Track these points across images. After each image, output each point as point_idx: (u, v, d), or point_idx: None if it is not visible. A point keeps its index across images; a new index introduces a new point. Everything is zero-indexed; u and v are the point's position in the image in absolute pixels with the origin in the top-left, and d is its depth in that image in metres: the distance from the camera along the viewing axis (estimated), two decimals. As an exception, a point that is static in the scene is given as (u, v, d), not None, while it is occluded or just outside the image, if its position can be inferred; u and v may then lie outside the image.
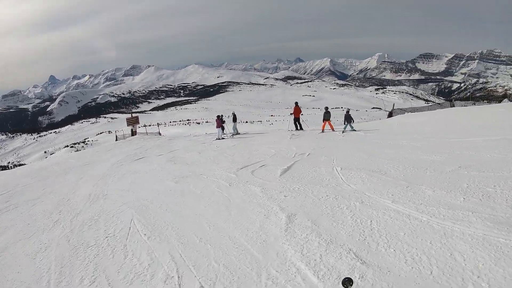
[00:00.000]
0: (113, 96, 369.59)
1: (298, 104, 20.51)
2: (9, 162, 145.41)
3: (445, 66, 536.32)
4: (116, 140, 39.84)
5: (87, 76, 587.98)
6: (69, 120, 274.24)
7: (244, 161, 11.47)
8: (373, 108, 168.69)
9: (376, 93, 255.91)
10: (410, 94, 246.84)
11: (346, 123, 17.55)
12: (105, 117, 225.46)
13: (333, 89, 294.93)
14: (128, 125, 38.39)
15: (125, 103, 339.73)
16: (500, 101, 32.13)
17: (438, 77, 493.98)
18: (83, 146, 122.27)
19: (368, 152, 10.36)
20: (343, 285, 2.78)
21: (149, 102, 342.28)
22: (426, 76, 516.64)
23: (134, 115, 40.43)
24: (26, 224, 8.13)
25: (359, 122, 31.50)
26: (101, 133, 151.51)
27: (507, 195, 5.14)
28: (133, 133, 37.32)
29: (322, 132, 17.71)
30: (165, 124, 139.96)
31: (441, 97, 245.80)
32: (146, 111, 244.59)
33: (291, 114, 19.86)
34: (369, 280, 3.59)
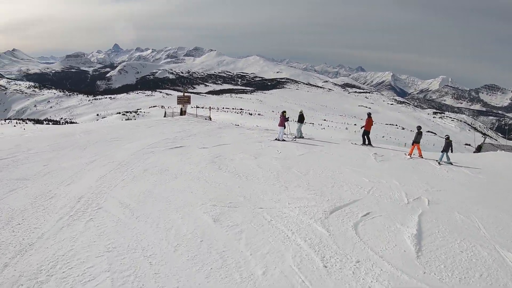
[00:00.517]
0: (172, 73, 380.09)
1: (371, 116, 17.31)
2: (61, 118, 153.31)
3: (510, 101, 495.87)
4: (165, 116, 37.34)
5: (150, 50, 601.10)
6: (126, 89, 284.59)
7: (328, 193, 7.42)
8: (428, 131, 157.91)
9: (433, 117, 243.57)
10: (468, 124, 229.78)
11: (443, 152, 12.97)
12: (160, 92, 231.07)
13: (391, 104, 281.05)
14: (178, 103, 35.50)
15: (183, 82, 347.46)
16: None
17: (500, 111, 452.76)
18: (134, 116, 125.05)
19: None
20: None
21: (205, 85, 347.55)
22: (488, 108, 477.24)
23: (186, 94, 37.54)
24: None
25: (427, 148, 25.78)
26: (154, 106, 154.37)
27: None
28: (182, 112, 34.40)
29: (410, 157, 13.61)
30: (218, 109, 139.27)
31: (499, 134, 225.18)
32: (202, 93, 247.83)
33: (362, 127, 16.83)
34: None
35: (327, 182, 8.38)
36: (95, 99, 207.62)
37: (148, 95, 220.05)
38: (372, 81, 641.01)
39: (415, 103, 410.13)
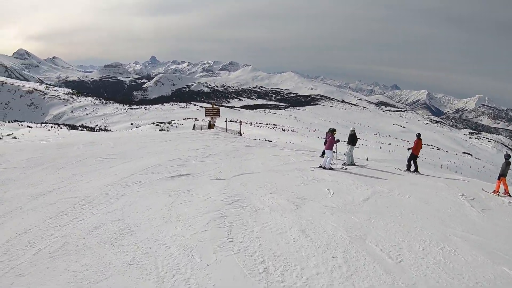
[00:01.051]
0: (207, 86, 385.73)
1: (421, 137, 13.94)
2: (96, 125, 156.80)
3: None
4: (193, 129, 34.59)
5: (186, 63, 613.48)
6: (161, 100, 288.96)
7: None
8: (463, 152, 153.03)
9: (469, 137, 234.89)
10: (505, 146, 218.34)
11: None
12: (195, 105, 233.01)
13: (426, 124, 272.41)
14: (206, 115, 32.60)
15: (217, 96, 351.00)
16: None
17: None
18: (167, 127, 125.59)
19: None
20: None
21: (240, 100, 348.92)
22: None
23: (215, 106, 34.60)
24: None
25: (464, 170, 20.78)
26: (187, 118, 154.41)
27: None
28: (210, 125, 31.37)
29: (497, 194, 9.88)
30: (251, 123, 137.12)
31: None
32: (236, 107, 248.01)
33: (409, 149, 13.80)
34: None
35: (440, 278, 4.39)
36: (130, 108, 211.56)
37: (182, 107, 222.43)
38: (407, 100, 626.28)
39: (451, 122, 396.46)
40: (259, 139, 42.04)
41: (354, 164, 13.41)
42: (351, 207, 7.14)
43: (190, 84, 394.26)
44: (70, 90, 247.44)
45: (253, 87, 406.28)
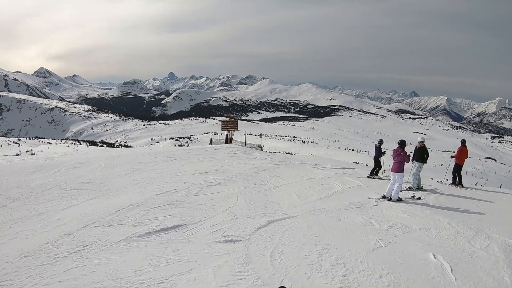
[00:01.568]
0: (225, 100, 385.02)
1: (466, 144, 11.16)
2: (116, 141, 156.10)
3: None
4: (210, 143, 31.38)
5: (204, 78, 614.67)
6: (180, 115, 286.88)
7: None
8: (487, 158, 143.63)
9: (492, 142, 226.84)
10: None
11: None
12: (214, 119, 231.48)
13: (447, 130, 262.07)
14: (222, 129, 29.39)
15: (236, 110, 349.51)
16: None
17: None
18: (187, 142, 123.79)
19: None
20: None
21: (258, 113, 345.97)
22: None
23: (232, 118, 31.38)
24: None
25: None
26: (207, 132, 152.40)
27: None
28: (228, 140, 28.18)
29: None
30: (270, 136, 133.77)
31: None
32: (255, 120, 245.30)
33: (452, 157, 11.06)
34: None
35: None
36: (149, 124, 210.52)
37: (201, 122, 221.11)
38: (426, 106, 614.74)
39: (472, 127, 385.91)
40: (279, 152, 38.43)
41: (422, 188, 9.60)
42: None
43: (208, 98, 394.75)
44: (90, 107, 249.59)
45: (271, 100, 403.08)
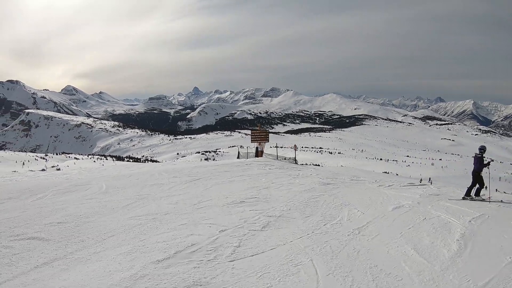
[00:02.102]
0: (250, 113, 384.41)
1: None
2: (142, 156, 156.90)
3: None
4: (238, 157, 28.35)
5: (228, 92, 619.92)
6: (206, 129, 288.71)
7: None
8: None
9: None
10: None
11: None
12: (239, 132, 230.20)
13: (475, 135, 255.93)
14: (252, 141, 26.24)
15: (261, 122, 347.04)
16: None
17: None
18: (213, 155, 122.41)
19: None
20: None
21: (284, 125, 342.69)
22: None
23: (262, 129, 28.31)
24: None
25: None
26: (233, 146, 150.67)
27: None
28: (258, 153, 24.98)
29: None
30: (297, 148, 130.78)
31: None
32: (280, 132, 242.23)
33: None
34: None
35: None
36: (175, 138, 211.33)
37: (227, 135, 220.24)
38: (452, 112, 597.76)
39: (501, 131, 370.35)
40: (307, 164, 34.91)
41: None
42: None
43: (233, 112, 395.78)
44: (116, 123, 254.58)
45: (296, 112, 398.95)
